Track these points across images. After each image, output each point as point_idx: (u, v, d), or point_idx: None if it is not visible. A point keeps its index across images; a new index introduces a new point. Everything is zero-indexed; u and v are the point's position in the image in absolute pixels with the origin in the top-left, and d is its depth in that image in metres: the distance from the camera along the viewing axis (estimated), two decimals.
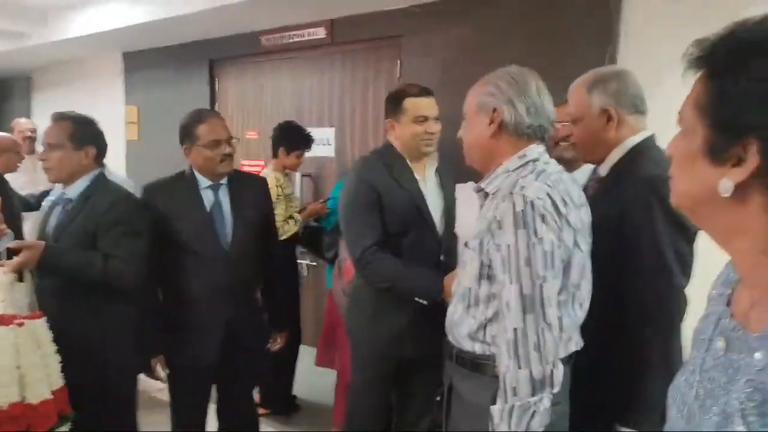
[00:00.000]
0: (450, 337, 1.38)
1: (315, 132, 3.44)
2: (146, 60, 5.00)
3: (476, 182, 1.41)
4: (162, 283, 2.03)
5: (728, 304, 0.68)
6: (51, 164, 1.93)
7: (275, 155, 3.20)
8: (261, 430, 2.34)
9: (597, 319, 1.38)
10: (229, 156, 2.00)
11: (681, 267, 1.38)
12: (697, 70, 0.63)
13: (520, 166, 1.29)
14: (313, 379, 3.22)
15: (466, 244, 1.34)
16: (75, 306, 1.87)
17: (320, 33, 3.86)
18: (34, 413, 1.56)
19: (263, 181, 2.29)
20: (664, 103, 1.63)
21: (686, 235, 1.37)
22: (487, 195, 1.33)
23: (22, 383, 1.57)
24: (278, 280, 2.27)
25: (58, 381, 1.68)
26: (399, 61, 3.57)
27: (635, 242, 1.39)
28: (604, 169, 1.56)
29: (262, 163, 4.38)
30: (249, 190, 2.11)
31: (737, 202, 0.60)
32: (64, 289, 1.87)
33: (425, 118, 1.93)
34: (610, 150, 1.53)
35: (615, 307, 1.41)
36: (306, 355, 3.22)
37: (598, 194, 1.54)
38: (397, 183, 1.93)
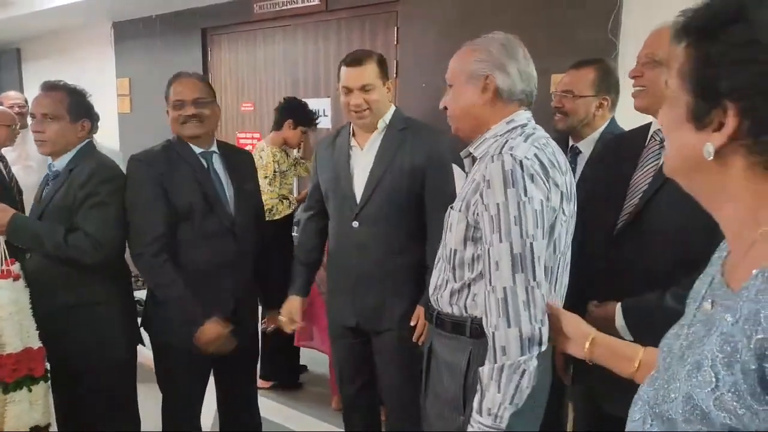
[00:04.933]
0: (432, 301, 1.39)
1: (310, 103, 3.37)
2: (137, 29, 4.87)
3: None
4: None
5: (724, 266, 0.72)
6: (47, 136, 1.85)
7: (279, 128, 3.10)
8: (263, 402, 2.28)
9: None
10: (193, 117, 1.86)
11: None
12: (680, 40, 0.66)
13: (508, 131, 1.30)
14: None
15: (451, 207, 1.34)
16: (64, 282, 1.84)
17: (314, 0, 3.74)
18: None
19: (249, 153, 2.26)
20: None
21: None
22: (474, 160, 1.35)
23: None
24: (271, 258, 2.19)
25: (31, 342, 1.71)
26: (395, 29, 3.47)
27: None
28: None
29: (258, 135, 4.32)
30: (239, 160, 2.05)
31: (721, 166, 0.63)
32: (52, 268, 1.83)
33: (348, 90, 1.84)
34: None
35: None
36: None
37: None
38: (331, 151, 1.96)
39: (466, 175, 1.43)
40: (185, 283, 1.81)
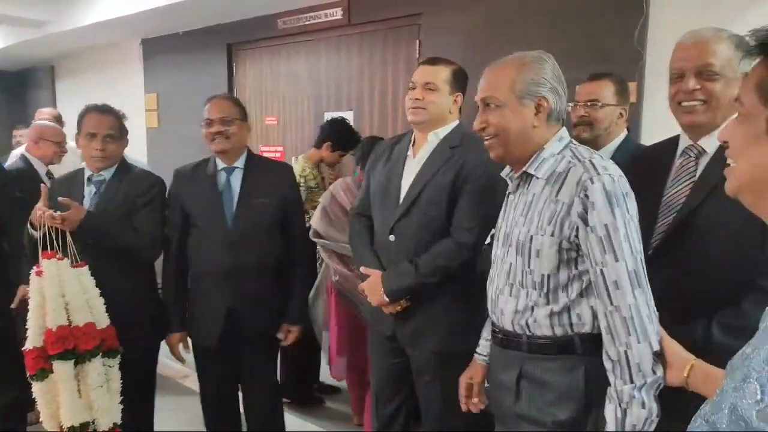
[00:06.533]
0: (516, 327, 1.34)
1: (332, 116, 3.38)
2: (165, 46, 4.99)
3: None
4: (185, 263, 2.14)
5: None
6: (109, 153, 2.06)
7: (318, 146, 3.13)
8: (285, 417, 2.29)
9: None
10: (219, 134, 2.02)
11: None
12: (756, 56, 0.66)
13: (563, 148, 1.31)
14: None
15: (532, 234, 1.29)
16: (105, 276, 1.94)
17: (337, 14, 3.78)
18: (79, 333, 1.79)
19: (286, 167, 2.27)
20: None
21: None
22: (527, 180, 1.33)
23: (67, 309, 1.80)
24: (297, 272, 2.19)
25: (103, 321, 1.87)
26: (418, 41, 3.48)
27: None
28: (711, 144, 1.33)
29: (280, 148, 4.36)
30: (266, 175, 2.09)
31: None
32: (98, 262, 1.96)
33: (413, 85, 1.86)
34: (723, 122, 1.30)
35: None
36: None
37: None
38: (386, 157, 1.93)
39: (508, 196, 1.40)
40: (179, 290, 2.12)
